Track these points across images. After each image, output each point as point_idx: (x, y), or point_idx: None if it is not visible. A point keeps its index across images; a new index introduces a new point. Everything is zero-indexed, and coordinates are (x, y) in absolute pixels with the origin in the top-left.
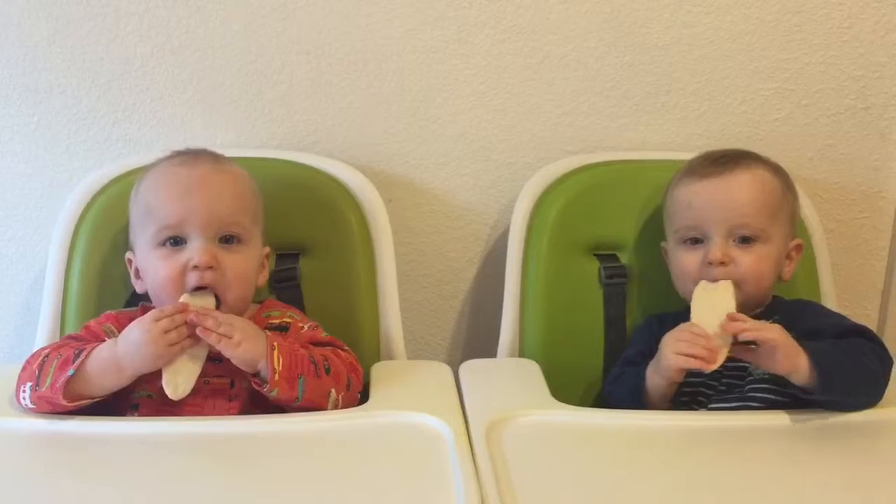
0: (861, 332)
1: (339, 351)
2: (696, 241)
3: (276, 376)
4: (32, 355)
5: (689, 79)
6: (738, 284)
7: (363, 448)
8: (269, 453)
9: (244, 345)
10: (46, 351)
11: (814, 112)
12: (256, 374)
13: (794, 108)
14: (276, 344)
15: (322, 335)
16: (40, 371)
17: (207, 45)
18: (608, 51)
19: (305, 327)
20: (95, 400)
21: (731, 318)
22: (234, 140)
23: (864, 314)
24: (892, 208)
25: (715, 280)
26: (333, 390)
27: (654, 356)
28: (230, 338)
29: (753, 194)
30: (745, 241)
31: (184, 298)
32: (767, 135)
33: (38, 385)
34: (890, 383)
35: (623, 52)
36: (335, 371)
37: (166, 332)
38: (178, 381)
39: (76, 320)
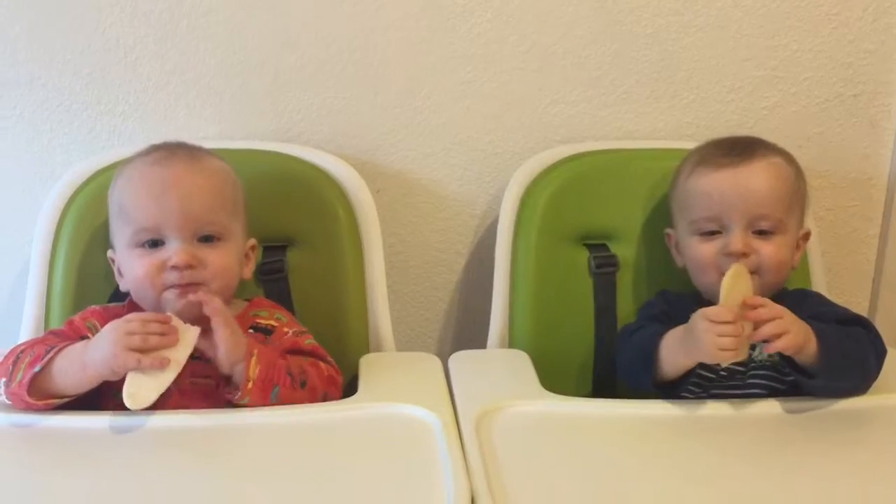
0: (859, 322)
1: (320, 363)
2: (712, 233)
3: (250, 384)
4: (11, 350)
5: (677, 67)
6: (757, 274)
7: (352, 439)
8: (256, 445)
9: (235, 338)
10: (23, 347)
11: (803, 100)
12: (228, 382)
13: (783, 96)
14: (255, 351)
15: (305, 343)
16: (13, 367)
17: (191, 37)
18: (596, 39)
19: (290, 332)
20: (65, 400)
21: (751, 305)
22: (219, 132)
23: (854, 302)
24: (882, 196)
25: None
26: None
27: (672, 319)
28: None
29: (772, 184)
30: (764, 232)
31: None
32: (757, 123)
33: (10, 381)
34: (883, 370)
35: (611, 41)
36: (311, 386)
37: (130, 334)
38: (140, 393)
39: (60, 315)
